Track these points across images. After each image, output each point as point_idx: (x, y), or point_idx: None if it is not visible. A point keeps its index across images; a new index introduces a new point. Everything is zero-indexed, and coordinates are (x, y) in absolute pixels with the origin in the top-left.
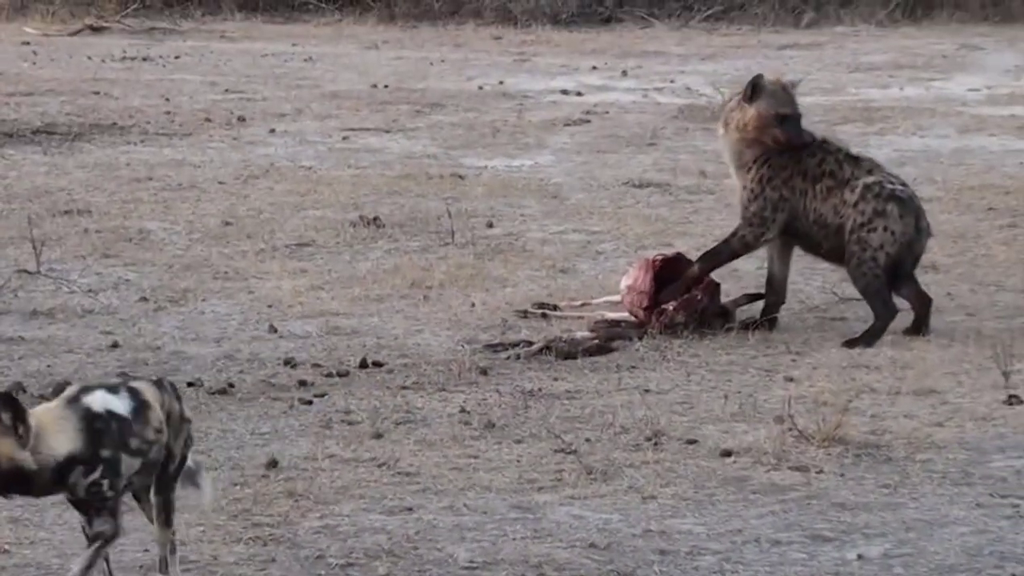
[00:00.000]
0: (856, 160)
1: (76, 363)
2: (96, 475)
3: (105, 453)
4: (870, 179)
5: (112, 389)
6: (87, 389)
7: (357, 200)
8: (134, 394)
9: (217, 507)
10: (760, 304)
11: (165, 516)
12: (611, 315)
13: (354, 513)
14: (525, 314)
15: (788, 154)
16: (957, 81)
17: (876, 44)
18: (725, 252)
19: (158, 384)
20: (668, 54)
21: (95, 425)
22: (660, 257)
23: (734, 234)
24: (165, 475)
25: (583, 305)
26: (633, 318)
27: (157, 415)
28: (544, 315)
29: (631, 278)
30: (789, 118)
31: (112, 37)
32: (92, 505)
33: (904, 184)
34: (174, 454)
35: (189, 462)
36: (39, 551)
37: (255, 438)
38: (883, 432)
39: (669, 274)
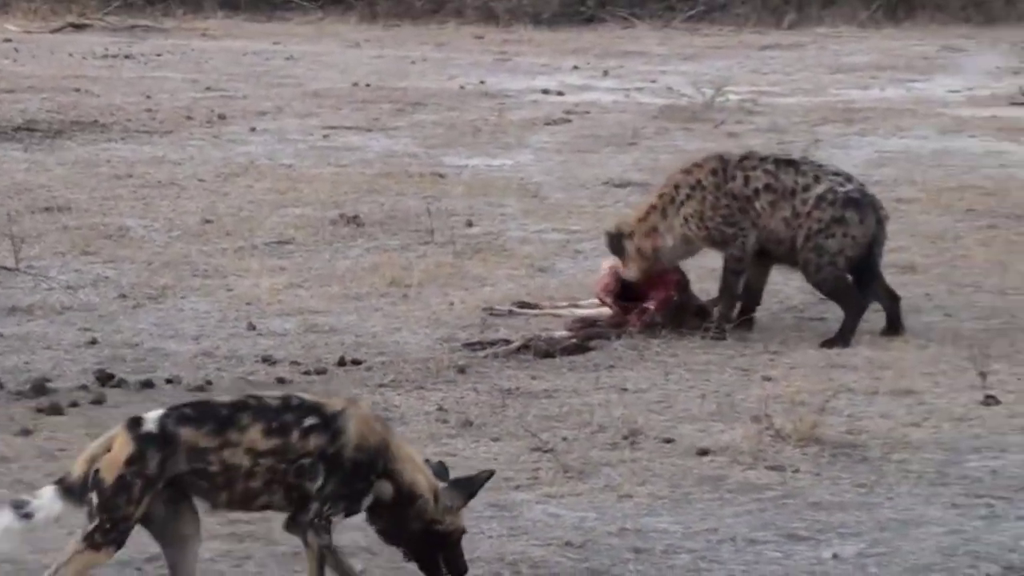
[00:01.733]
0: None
1: (54, 360)
2: None
3: None
4: (821, 188)
5: None
6: None
7: (337, 198)
8: None
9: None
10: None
11: None
12: (585, 313)
13: None
14: (492, 312)
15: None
16: (937, 82)
17: (857, 45)
18: (732, 280)
19: None
20: (649, 54)
21: None
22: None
23: (725, 262)
24: None
25: (570, 307)
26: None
27: None
28: (511, 312)
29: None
30: None
31: (94, 34)
32: None
33: (849, 178)
34: None
35: None
36: None
37: None
38: (859, 432)
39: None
